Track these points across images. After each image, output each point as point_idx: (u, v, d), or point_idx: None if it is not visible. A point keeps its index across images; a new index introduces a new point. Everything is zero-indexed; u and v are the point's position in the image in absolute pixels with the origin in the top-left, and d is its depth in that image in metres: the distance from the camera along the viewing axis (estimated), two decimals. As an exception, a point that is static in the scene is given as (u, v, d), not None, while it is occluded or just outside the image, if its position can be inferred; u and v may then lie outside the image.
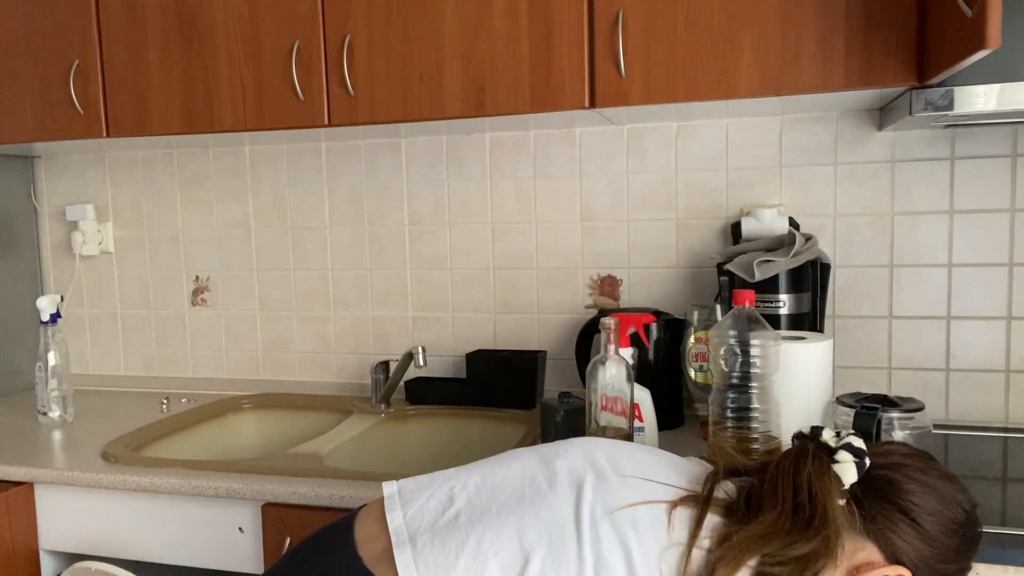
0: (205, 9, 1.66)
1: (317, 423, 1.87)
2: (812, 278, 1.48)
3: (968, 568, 0.91)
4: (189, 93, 1.69)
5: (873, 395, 1.20)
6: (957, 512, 0.88)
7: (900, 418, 1.17)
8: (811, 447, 0.91)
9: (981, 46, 0.97)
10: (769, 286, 1.44)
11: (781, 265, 1.42)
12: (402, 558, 0.87)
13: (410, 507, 0.94)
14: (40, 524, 1.54)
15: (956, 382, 1.62)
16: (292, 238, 2.03)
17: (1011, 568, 1.03)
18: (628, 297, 1.80)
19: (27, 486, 1.52)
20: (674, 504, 0.88)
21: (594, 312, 1.80)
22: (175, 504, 1.43)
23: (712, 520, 0.87)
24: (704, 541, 0.85)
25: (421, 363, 1.70)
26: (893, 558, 0.86)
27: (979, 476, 1.30)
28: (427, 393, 1.83)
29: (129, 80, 1.73)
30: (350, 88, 1.58)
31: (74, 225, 2.18)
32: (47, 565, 1.56)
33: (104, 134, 1.76)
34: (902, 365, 1.64)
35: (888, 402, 1.18)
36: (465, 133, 1.86)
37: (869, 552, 0.87)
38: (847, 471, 0.87)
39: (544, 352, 1.82)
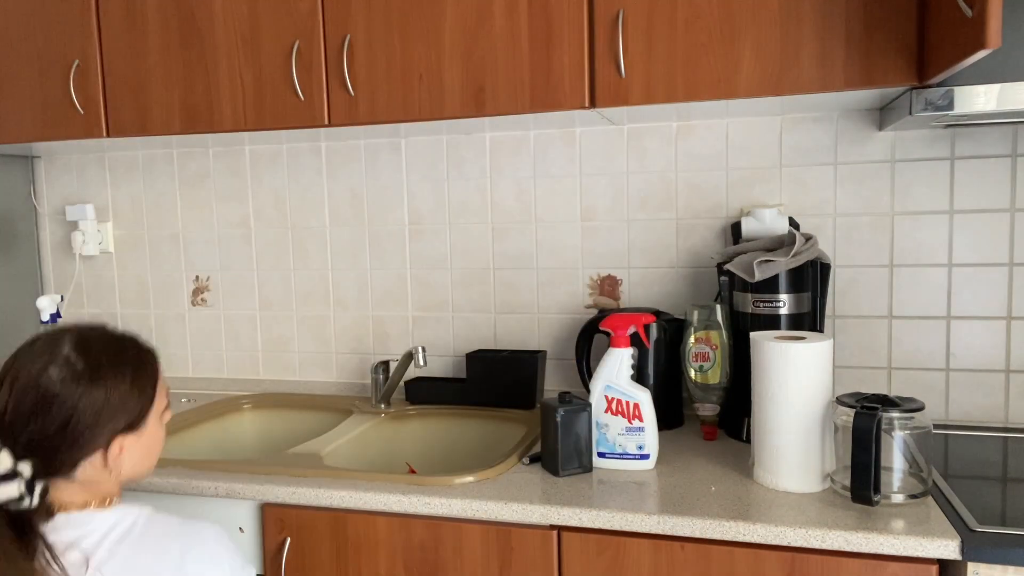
0: (205, 9, 1.66)
1: (317, 423, 1.87)
2: (812, 278, 1.48)
3: (121, 364, 1.01)
4: (189, 93, 1.69)
5: (873, 395, 1.20)
6: (64, 376, 0.96)
7: (900, 418, 1.17)
8: None
9: (981, 46, 0.97)
10: (769, 286, 1.44)
11: (781, 265, 1.42)
12: None
13: None
14: (40, 524, 1.54)
15: (956, 382, 1.62)
16: (292, 238, 2.03)
17: (1011, 568, 1.03)
18: (628, 297, 1.80)
19: (27, 486, 1.52)
20: None
21: (594, 312, 1.79)
22: (175, 504, 1.43)
23: None
24: None
25: (421, 363, 1.70)
26: (102, 448, 0.98)
27: (979, 476, 1.30)
28: (427, 393, 1.83)
29: (129, 80, 1.73)
30: (350, 88, 1.58)
31: (74, 225, 2.18)
32: (47, 565, 1.56)
33: (104, 134, 1.76)
34: (902, 365, 1.64)
35: (888, 402, 1.18)
36: (465, 133, 1.86)
37: (92, 463, 0.98)
38: (5, 491, 0.91)
39: (544, 352, 1.82)
